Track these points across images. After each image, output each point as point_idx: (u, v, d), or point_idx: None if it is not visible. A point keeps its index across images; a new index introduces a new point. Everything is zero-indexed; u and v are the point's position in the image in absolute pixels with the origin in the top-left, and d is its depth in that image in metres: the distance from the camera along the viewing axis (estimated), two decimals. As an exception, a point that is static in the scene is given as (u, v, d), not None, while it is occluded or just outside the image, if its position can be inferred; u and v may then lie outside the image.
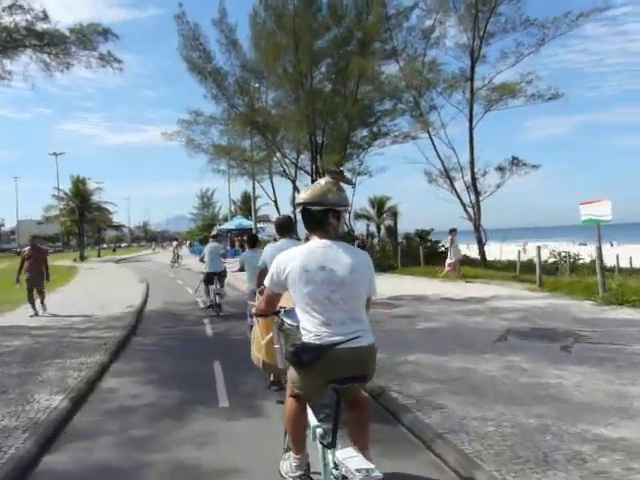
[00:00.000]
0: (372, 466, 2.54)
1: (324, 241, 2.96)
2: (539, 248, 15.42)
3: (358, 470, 2.49)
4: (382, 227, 43.06)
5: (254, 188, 40.73)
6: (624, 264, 23.31)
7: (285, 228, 5.58)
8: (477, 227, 24.38)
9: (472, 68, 23.70)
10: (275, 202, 40.78)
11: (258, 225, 50.09)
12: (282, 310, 3.41)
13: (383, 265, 23.04)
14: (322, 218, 2.97)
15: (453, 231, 18.18)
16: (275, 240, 6.86)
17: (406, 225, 30.92)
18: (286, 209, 45.39)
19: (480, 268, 21.55)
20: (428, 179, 26.24)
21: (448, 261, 18.17)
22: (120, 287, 19.28)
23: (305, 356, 2.83)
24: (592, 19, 22.10)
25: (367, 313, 3.06)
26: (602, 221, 12.27)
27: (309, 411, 3.15)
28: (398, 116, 28.64)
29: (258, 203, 52.72)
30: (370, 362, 2.94)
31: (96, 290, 18.64)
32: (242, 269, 8.21)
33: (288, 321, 3.28)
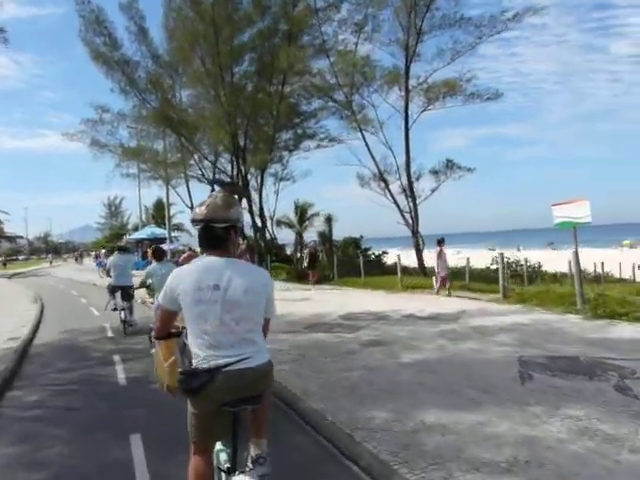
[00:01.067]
0: None
1: (221, 259, 2.83)
2: (502, 255, 14.02)
3: None
4: (303, 235, 41.24)
5: (168, 194, 37.38)
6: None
7: (159, 254, 6.02)
8: (415, 233, 23.06)
9: (407, 64, 22.42)
10: (192, 208, 37.76)
11: (173, 234, 46.55)
12: (184, 331, 3.09)
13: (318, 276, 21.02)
14: (224, 235, 2.86)
15: (441, 241, 15.32)
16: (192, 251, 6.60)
17: (335, 232, 29.18)
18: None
19: (420, 277, 20.13)
20: (360, 183, 24.72)
21: (440, 275, 15.20)
22: (6, 309, 15.75)
23: (194, 382, 2.73)
24: (522, 22, 21.48)
25: (265, 335, 2.98)
26: (580, 223, 10.96)
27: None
28: (327, 116, 27.04)
29: (172, 210, 49.11)
30: (262, 381, 2.85)
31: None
32: (144, 285, 8.20)
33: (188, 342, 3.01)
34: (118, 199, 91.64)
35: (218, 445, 3.03)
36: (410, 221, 23.21)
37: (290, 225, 42.27)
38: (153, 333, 3.34)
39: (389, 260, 25.08)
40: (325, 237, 21.31)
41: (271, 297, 2.99)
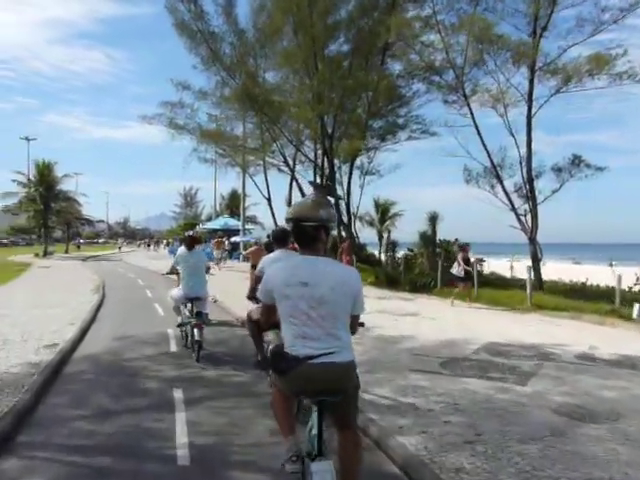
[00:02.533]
0: None
1: (310, 257, 2.97)
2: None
3: None
4: (384, 235, 38.08)
5: (244, 182, 35.26)
6: None
7: (281, 240, 5.63)
8: (532, 240, 19.24)
9: (536, 37, 18.62)
10: (269, 200, 35.49)
11: (246, 226, 44.66)
12: None
13: (414, 284, 17.76)
14: (314, 234, 2.98)
15: (466, 247, 15.45)
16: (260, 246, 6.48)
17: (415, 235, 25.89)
18: (281, 209, 39.87)
19: (539, 293, 16.42)
20: (466, 178, 21.09)
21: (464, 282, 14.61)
22: (62, 299, 13.65)
23: (281, 363, 2.91)
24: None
25: (354, 330, 3.12)
26: None
27: (315, 417, 3.04)
28: (429, 101, 23.67)
29: (247, 202, 47.29)
30: (343, 379, 2.92)
31: (24, 301, 13.03)
32: (172, 272, 8.20)
33: None
34: (194, 190, 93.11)
35: (314, 430, 3.01)
36: (527, 226, 19.43)
37: (371, 224, 39.46)
38: (261, 321, 3.51)
39: (487, 268, 21.41)
40: (427, 239, 17.97)
41: (359, 295, 3.02)
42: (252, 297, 5.45)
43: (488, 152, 20.05)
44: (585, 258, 40.42)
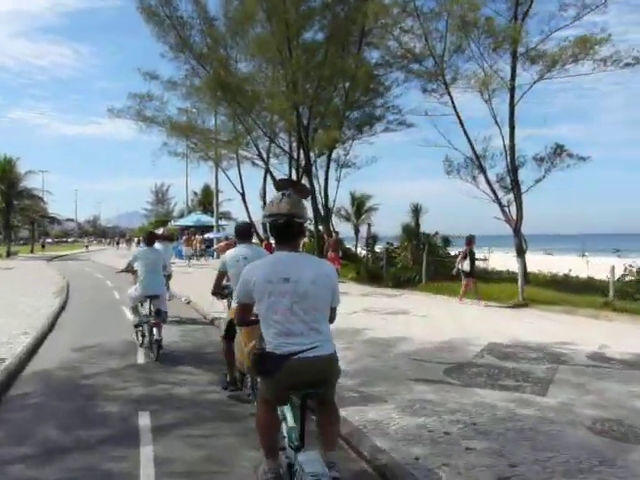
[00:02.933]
0: (325, 471, 2.69)
1: (290, 253, 3.01)
2: None
3: (311, 474, 2.61)
4: (360, 229, 37.49)
5: (217, 177, 34.16)
6: None
7: (245, 235, 5.63)
8: (517, 231, 18.71)
9: (517, 21, 18.02)
10: (243, 195, 34.41)
11: (220, 222, 43.44)
12: None
13: (397, 279, 17.04)
14: (299, 230, 3.07)
15: (472, 239, 14.20)
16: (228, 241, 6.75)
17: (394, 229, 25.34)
18: (255, 204, 38.79)
19: (527, 286, 15.87)
20: (447, 169, 20.43)
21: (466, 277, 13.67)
22: (18, 305, 12.47)
23: (265, 365, 2.93)
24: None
25: (332, 321, 3.17)
26: None
27: (289, 413, 3.18)
28: (407, 90, 22.97)
29: (220, 198, 46.00)
30: (328, 370, 2.99)
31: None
32: (129, 268, 7.93)
33: None
34: (165, 186, 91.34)
35: (291, 422, 3.13)
36: (511, 217, 18.89)
37: (347, 218, 38.71)
38: (235, 320, 3.52)
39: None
40: (410, 232, 17.22)
41: (336, 288, 3.13)
42: (216, 293, 5.59)
43: (470, 141, 19.45)
44: (556, 249, 40.22)
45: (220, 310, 7.91)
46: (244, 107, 22.32)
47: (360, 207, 41.22)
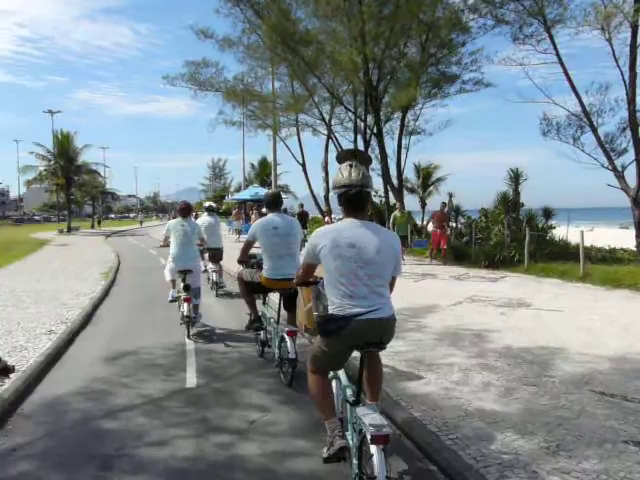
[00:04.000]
0: (385, 422, 2.78)
1: (356, 220, 3.13)
2: None
3: (372, 425, 2.71)
4: (397, 205, 35.00)
5: (275, 146, 31.73)
6: None
7: (274, 203, 5.56)
8: (638, 201, 15.52)
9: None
10: (303, 166, 32.24)
11: (285, 197, 41.42)
12: (320, 280, 3.45)
13: (491, 259, 14.32)
14: (360, 201, 3.15)
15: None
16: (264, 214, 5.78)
17: (474, 202, 22.42)
18: (316, 176, 36.32)
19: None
20: (545, 128, 17.29)
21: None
22: (57, 290, 10.76)
23: (330, 325, 3.07)
24: None
25: (391, 290, 3.25)
26: None
27: (341, 372, 3.45)
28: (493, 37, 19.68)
29: (278, 170, 44.03)
30: (388, 332, 3.14)
31: (5, 294, 10.14)
32: (167, 243, 7.54)
33: (323, 291, 3.33)
34: (222, 161, 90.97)
35: (344, 381, 3.40)
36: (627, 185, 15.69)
37: (412, 190, 35.91)
38: (295, 280, 3.63)
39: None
40: (506, 202, 14.36)
41: (399, 259, 3.27)
42: (242, 261, 5.62)
43: (578, 93, 16.27)
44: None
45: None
46: (307, 63, 19.82)
47: (426, 178, 38.21)
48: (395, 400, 4.46)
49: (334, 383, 3.53)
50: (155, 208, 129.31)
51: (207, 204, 11.19)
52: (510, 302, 9.05)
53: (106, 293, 10.70)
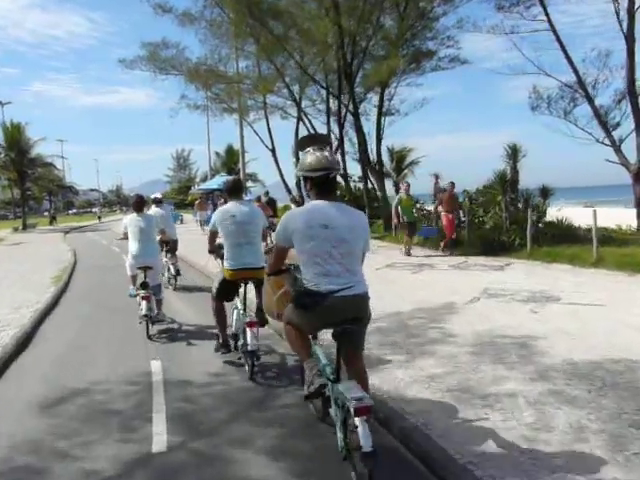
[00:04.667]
0: (366, 395, 2.85)
1: (327, 202, 3.16)
2: None
3: (354, 398, 2.74)
4: (402, 186, 33.73)
5: (242, 131, 29.76)
6: None
7: (235, 190, 5.40)
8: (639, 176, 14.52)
9: None
10: (273, 151, 30.53)
11: (247, 184, 39.74)
12: (292, 267, 3.52)
13: (489, 243, 13.11)
14: (330, 183, 3.21)
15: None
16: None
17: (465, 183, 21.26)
18: (287, 162, 34.96)
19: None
20: (533, 101, 16.11)
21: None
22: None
23: (306, 299, 3.14)
24: None
25: (361, 265, 3.29)
26: None
27: (320, 351, 3.51)
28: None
29: (246, 158, 42.17)
30: (362, 308, 3.18)
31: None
32: (125, 237, 7.22)
33: (298, 276, 3.35)
34: (186, 152, 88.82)
35: (324, 360, 3.41)
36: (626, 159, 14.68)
37: (387, 174, 34.65)
38: (266, 269, 3.81)
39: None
40: (504, 182, 13.07)
41: (369, 236, 3.36)
42: (212, 251, 5.44)
43: (572, 62, 15.11)
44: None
45: (215, 272, 6.84)
46: (277, 37, 18.14)
47: (400, 162, 37.03)
48: (463, 465, 3.05)
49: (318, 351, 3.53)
50: (119, 202, 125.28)
51: (153, 196, 10.45)
52: (534, 296, 7.77)
53: (55, 302, 9.03)
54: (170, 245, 9.80)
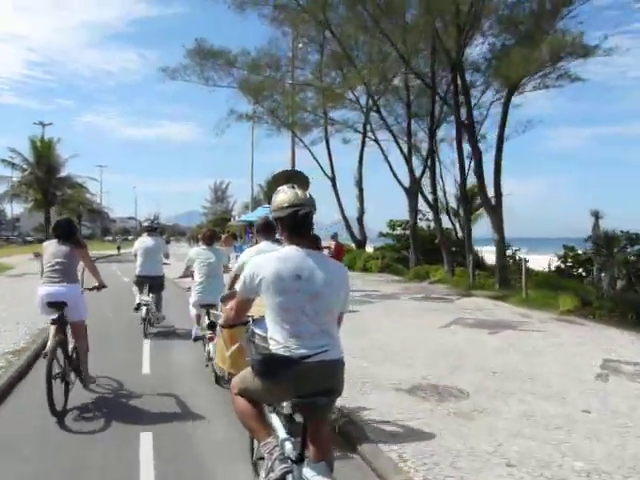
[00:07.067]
0: None
1: (300, 249, 2.80)
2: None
3: None
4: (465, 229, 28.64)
5: (294, 154, 25.33)
6: None
7: (268, 230, 4.86)
8: None
9: None
10: (333, 180, 26.04)
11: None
12: (251, 319, 3.15)
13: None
14: (305, 223, 2.84)
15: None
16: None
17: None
18: (349, 191, 30.51)
19: None
20: None
21: None
22: None
23: (271, 366, 2.72)
24: None
25: (338, 328, 2.93)
26: None
27: (278, 423, 3.01)
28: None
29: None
30: (338, 376, 2.80)
31: None
32: (187, 274, 7.11)
33: (259, 332, 3.04)
34: (224, 184, 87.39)
35: (282, 434, 2.92)
36: None
37: (454, 213, 29.79)
38: (220, 320, 3.35)
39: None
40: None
41: (348, 292, 2.97)
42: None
43: None
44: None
45: None
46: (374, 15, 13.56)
47: (472, 200, 32.12)
48: None
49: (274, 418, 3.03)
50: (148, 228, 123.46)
51: (146, 223, 9.82)
52: None
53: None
54: (152, 283, 8.80)
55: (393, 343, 7.88)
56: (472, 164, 16.65)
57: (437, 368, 6.44)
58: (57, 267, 5.09)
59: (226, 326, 3.17)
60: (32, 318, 9.44)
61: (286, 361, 2.65)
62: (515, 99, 15.79)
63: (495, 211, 14.60)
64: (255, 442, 2.92)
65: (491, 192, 15.49)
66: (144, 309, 8.44)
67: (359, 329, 8.83)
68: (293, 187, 2.88)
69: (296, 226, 2.80)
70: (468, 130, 14.76)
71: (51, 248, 5.19)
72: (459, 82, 14.28)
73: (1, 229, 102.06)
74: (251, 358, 2.94)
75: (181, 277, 7.36)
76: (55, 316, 5.01)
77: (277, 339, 2.70)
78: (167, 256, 9.33)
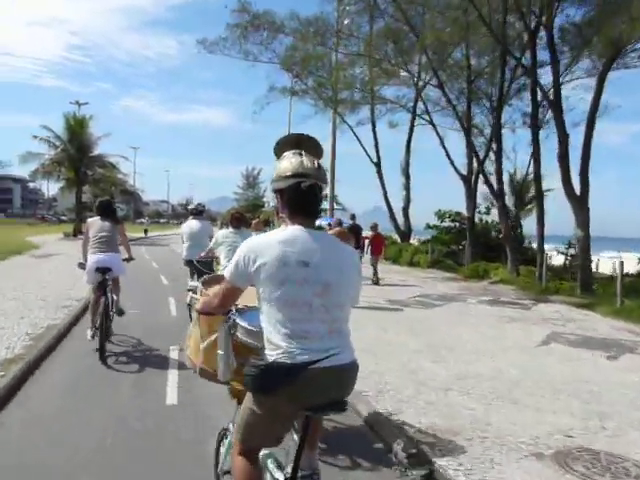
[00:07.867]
0: None
1: (307, 229, 2.22)
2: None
3: None
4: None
5: (334, 134, 23.26)
6: None
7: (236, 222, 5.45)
8: None
9: None
10: (378, 165, 24.21)
11: (335, 207, 32.91)
12: (233, 308, 2.62)
13: None
14: (311, 197, 2.24)
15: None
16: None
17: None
18: (395, 180, 28.92)
19: None
20: None
21: None
22: None
23: (271, 379, 2.13)
24: None
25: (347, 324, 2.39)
26: None
27: (269, 459, 2.47)
28: None
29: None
30: (351, 383, 2.29)
31: None
32: (210, 256, 6.87)
33: (243, 324, 2.58)
34: (257, 170, 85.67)
35: (263, 450, 2.42)
36: None
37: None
38: (198, 305, 2.66)
39: None
40: None
41: (360, 281, 2.43)
42: None
43: None
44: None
45: None
46: None
47: (522, 193, 30.42)
48: None
49: (269, 463, 2.41)
50: (186, 215, 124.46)
51: (191, 205, 9.44)
52: None
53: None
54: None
55: (491, 370, 5.99)
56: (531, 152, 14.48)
57: (574, 416, 4.54)
58: (103, 239, 6.10)
59: (204, 313, 2.54)
60: (35, 312, 7.91)
61: (290, 370, 2.09)
62: (611, 75, 13.50)
63: (581, 204, 12.43)
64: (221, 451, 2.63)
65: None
66: (189, 295, 7.34)
67: (438, 344, 7.01)
68: (301, 154, 2.30)
69: (299, 201, 2.24)
70: (554, 107, 12.58)
71: (97, 224, 6.22)
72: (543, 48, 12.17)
73: (38, 208, 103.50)
74: (245, 374, 2.26)
75: (201, 259, 7.16)
76: (100, 279, 6.03)
77: (276, 342, 2.15)
78: (211, 238, 8.33)
